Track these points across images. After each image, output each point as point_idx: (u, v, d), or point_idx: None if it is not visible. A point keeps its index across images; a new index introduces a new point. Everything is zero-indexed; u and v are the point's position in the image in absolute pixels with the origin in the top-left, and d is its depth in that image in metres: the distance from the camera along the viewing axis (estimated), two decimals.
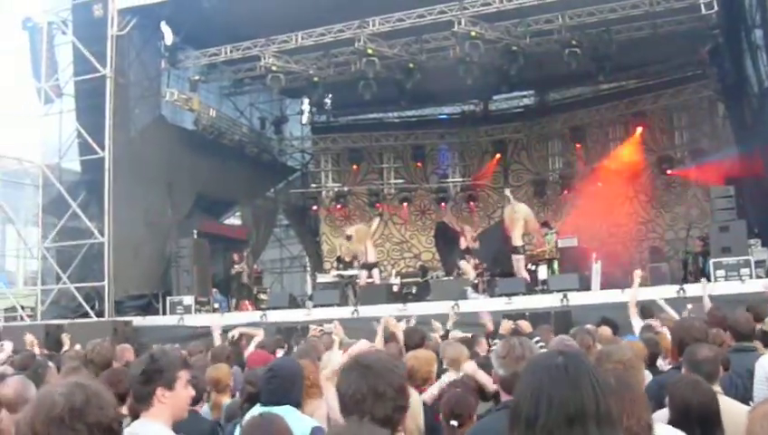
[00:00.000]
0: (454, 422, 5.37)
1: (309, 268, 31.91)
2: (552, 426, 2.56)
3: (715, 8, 18.82)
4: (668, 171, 25.34)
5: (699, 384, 4.52)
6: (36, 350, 9.80)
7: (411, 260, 28.73)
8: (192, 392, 4.45)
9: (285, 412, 4.63)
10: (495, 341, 7.26)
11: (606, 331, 9.60)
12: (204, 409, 6.87)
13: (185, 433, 4.61)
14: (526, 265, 22.57)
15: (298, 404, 5.22)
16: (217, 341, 10.06)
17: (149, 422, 4.13)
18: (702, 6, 18.82)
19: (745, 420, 2.78)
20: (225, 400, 7.20)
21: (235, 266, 24.89)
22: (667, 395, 4.40)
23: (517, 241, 20.96)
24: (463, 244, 23.20)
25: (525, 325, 9.44)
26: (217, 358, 8.78)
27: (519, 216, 21.29)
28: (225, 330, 17.50)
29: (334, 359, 7.10)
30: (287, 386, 5.22)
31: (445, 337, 10.37)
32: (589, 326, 10.36)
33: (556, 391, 2.65)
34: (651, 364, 6.60)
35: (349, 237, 23.07)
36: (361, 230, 23.42)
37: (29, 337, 13.13)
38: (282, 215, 31.88)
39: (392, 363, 3.48)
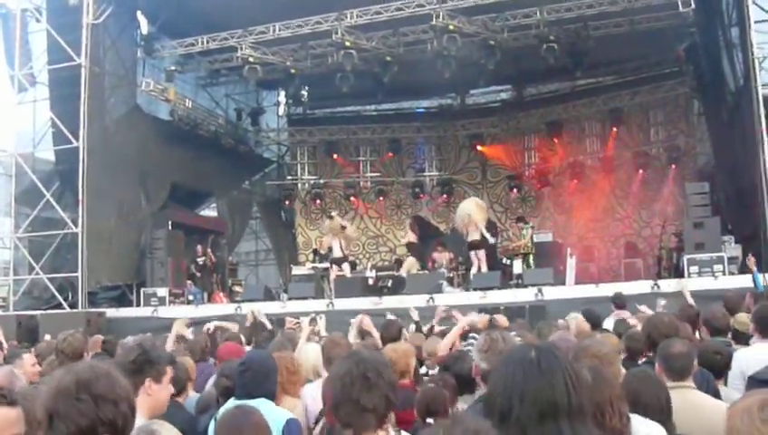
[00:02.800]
0: (429, 419, 5.32)
1: (276, 262, 31.84)
2: (524, 420, 2.58)
3: (692, 6, 18.88)
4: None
5: (649, 377, 4.52)
6: (4, 343, 9.66)
7: (387, 254, 28.72)
8: (172, 390, 4.42)
9: (259, 405, 4.59)
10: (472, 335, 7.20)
11: (584, 324, 9.57)
12: (192, 399, 6.80)
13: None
14: (501, 259, 22.67)
15: (272, 396, 5.18)
16: (170, 343, 9.86)
17: None
18: (679, 4, 18.87)
19: (724, 416, 2.77)
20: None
21: (198, 259, 24.61)
22: None
23: (474, 236, 20.80)
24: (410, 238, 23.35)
25: (503, 320, 9.43)
26: (193, 351, 8.71)
27: (467, 213, 21.16)
28: (198, 323, 17.53)
29: (309, 351, 7.10)
30: (260, 379, 5.18)
31: (430, 333, 10.31)
32: (561, 321, 10.40)
33: (529, 385, 2.70)
34: (632, 359, 6.59)
35: (343, 227, 22.97)
36: (334, 227, 23.42)
37: None
38: (255, 207, 31.73)
39: (385, 358, 3.48)
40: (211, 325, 10.54)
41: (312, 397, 6.13)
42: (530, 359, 2.77)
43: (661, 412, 4.16)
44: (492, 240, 21.43)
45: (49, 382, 2.76)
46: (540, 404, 2.66)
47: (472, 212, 20.84)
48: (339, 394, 3.17)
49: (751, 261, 14.82)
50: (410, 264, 22.64)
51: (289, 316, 12.15)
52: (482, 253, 20.70)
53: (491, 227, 22.50)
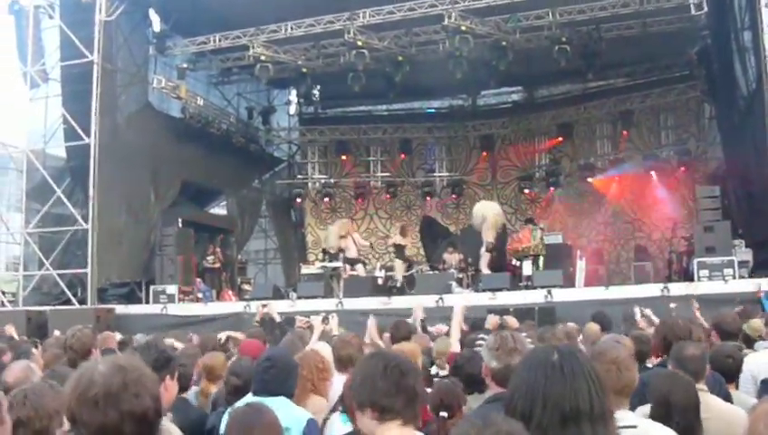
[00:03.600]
0: (443, 414, 5.31)
1: (281, 261, 31.87)
2: (546, 424, 2.56)
3: (705, 9, 18.87)
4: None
5: (679, 378, 4.53)
6: (15, 336, 9.72)
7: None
8: (174, 388, 4.44)
9: (280, 404, 4.59)
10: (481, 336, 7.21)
11: (593, 327, 9.56)
12: (190, 395, 6.81)
13: (174, 418, 4.59)
14: (510, 261, 22.64)
15: (291, 395, 5.17)
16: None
17: None
18: (692, 7, 18.87)
19: (737, 419, 2.77)
20: (214, 389, 7.14)
21: (207, 258, 24.61)
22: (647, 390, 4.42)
23: (489, 238, 20.81)
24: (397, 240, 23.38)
25: (512, 321, 9.43)
26: (206, 347, 8.76)
27: (483, 214, 21.16)
28: (207, 320, 17.61)
29: (321, 350, 7.09)
30: (283, 377, 5.17)
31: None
32: (571, 324, 10.37)
33: (551, 389, 2.69)
34: (641, 362, 6.58)
35: (343, 237, 23.02)
36: (346, 225, 23.48)
37: (9, 328, 13.14)
38: (264, 206, 31.72)
39: (411, 359, 3.47)
40: (223, 335, 10.56)
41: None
42: (552, 362, 2.76)
43: (694, 410, 4.16)
44: (485, 245, 21.25)
45: (78, 379, 2.71)
46: (562, 409, 2.65)
47: (490, 215, 20.95)
48: (368, 396, 3.15)
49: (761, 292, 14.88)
50: (398, 266, 22.62)
51: (299, 315, 12.13)
52: (486, 255, 20.71)
53: (500, 235, 22.49)
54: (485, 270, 20.49)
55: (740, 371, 6.19)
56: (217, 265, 24.55)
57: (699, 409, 4.26)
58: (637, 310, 11.11)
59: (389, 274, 22.80)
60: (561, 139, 27.20)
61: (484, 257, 20.62)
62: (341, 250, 22.70)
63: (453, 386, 5.63)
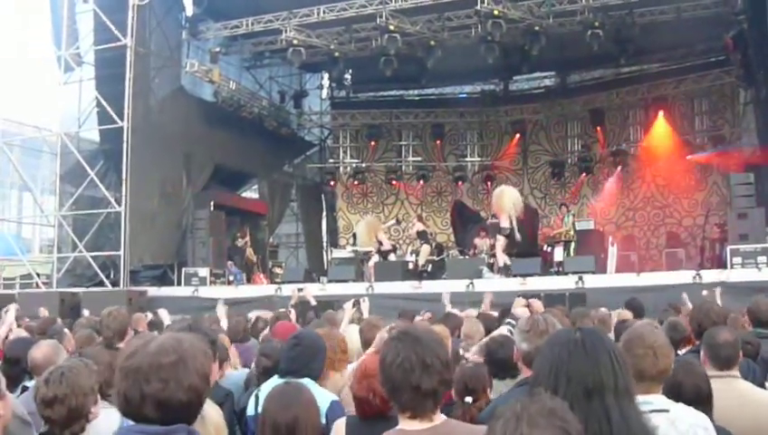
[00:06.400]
0: (468, 399, 5.28)
1: (306, 246, 32.01)
2: (571, 399, 2.58)
3: None
4: (687, 156, 25.11)
5: (692, 366, 4.51)
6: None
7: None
8: (217, 369, 4.42)
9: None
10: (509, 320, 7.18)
11: (625, 314, 9.49)
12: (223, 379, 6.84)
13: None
14: (542, 247, 22.58)
15: (317, 377, 5.13)
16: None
17: None
18: None
19: None
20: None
21: (238, 241, 24.70)
22: None
23: (504, 223, 20.65)
24: (419, 228, 23.30)
25: (538, 305, 9.38)
26: (236, 332, 8.82)
27: (505, 200, 20.99)
28: (238, 302, 17.66)
29: (352, 333, 7.11)
30: (309, 357, 5.12)
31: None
32: (603, 310, 10.32)
33: (574, 365, 2.75)
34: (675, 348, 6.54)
35: (354, 236, 23.10)
36: (371, 224, 23.44)
37: (43, 311, 13.33)
38: (293, 190, 31.78)
39: (438, 336, 3.44)
40: (252, 315, 10.62)
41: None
42: (575, 340, 2.82)
43: (701, 403, 4.14)
44: (503, 230, 20.99)
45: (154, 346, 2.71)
46: (586, 384, 2.70)
47: (506, 201, 20.73)
48: (399, 381, 3.14)
49: None
50: (425, 251, 22.57)
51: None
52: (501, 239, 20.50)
53: (531, 219, 22.39)
54: (501, 255, 20.28)
55: (757, 356, 6.16)
56: (246, 248, 24.63)
57: (711, 400, 4.24)
58: (685, 296, 11.07)
59: (412, 259, 22.74)
60: (598, 129, 26.91)
61: (500, 243, 20.42)
62: (375, 249, 22.63)
63: (477, 369, 5.61)
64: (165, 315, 11.07)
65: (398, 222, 26.90)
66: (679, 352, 6.45)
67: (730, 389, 4.63)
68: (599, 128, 26.94)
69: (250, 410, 5.08)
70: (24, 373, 5.63)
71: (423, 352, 3.16)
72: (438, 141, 29.38)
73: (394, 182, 29.18)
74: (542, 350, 2.93)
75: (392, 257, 22.37)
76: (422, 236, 23.02)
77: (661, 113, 25.48)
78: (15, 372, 5.68)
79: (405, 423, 3.15)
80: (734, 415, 4.34)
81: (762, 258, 16.67)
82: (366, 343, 6.56)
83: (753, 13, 20.73)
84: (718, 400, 4.25)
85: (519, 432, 2.13)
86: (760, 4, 20.10)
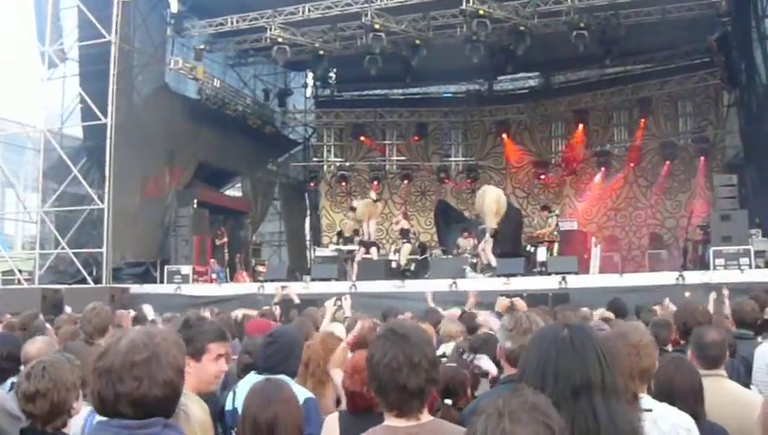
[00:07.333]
0: (448, 401, 5.25)
1: (288, 245, 31.93)
2: (558, 397, 2.56)
3: None
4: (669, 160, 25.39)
5: (683, 363, 4.53)
6: None
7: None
8: (225, 367, 4.35)
9: None
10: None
11: (607, 314, 9.50)
12: None
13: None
14: (525, 247, 22.62)
15: (293, 374, 5.12)
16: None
17: None
18: None
19: (756, 404, 2.76)
20: None
21: (216, 241, 24.59)
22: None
23: (490, 223, 20.62)
24: (403, 225, 23.30)
25: (521, 304, 9.40)
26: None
27: (487, 200, 20.97)
28: (220, 301, 17.60)
29: (334, 331, 7.09)
30: (285, 353, 5.11)
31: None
32: (584, 309, 10.35)
33: (562, 363, 2.72)
34: (660, 348, 6.55)
35: (353, 208, 23.07)
36: (370, 206, 23.42)
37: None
38: (277, 188, 31.72)
39: (426, 335, 3.41)
40: (239, 313, 10.59)
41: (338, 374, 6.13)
42: (563, 337, 2.78)
43: (694, 399, 4.15)
44: (488, 231, 20.94)
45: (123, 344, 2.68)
46: (573, 381, 2.67)
47: (487, 201, 20.71)
48: (386, 380, 3.11)
49: None
50: (406, 250, 22.57)
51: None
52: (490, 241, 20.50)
53: (514, 219, 22.41)
54: (490, 256, 20.30)
55: (733, 356, 6.19)
56: (224, 248, 24.54)
57: (702, 395, 4.25)
58: (666, 300, 11.11)
59: (395, 258, 22.72)
60: (581, 126, 26.99)
61: (488, 244, 20.42)
62: (356, 232, 22.70)
63: (458, 371, 5.59)
64: (149, 311, 11.04)
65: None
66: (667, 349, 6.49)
67: (718, 388, 4.67)
68: (582, 128, 26.96)
69: (228, 406, 5.05)
70: (11, 369, 5.58)
71: (411, 350, 3.12)
72: (422, 141, 29.41)
73: (375, 184, 29.14)
74: (530, 346, 2.90)
75: (374, 252, 22.34)
76: (404, 234, 23.02)
77: (642, 119, 25.67)
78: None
79: (391, 421, 3.13)
80: (723, 413, 4.36)
81: (744, 260, 16.74)
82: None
83: (737, 15, 20.87)
84: (707, 398, 4.27)
85: (501, 428, 2.10)
86: (744, 6, 20.26)
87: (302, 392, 4.91)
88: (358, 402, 4.33)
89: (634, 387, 3.63)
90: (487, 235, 20.37)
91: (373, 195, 24.72)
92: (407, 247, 22.56)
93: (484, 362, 6.57)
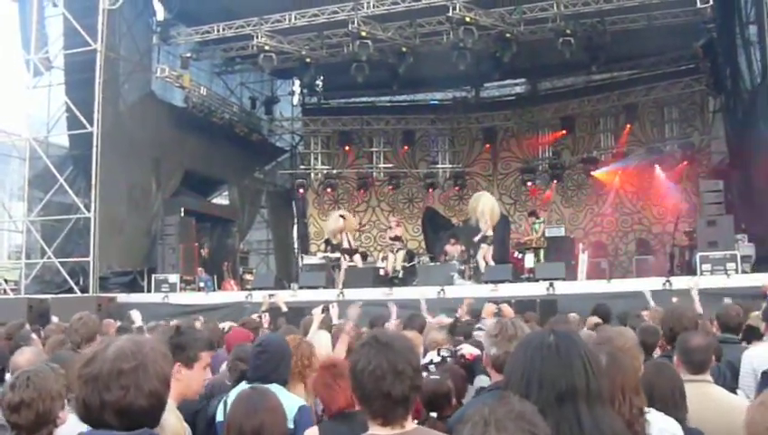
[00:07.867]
0: (433, 414, 5.22)
1: (275, 253, 31.85)
2: (543, 404, 2.55)
3: (711, 2, 18.80)
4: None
5: (664, 367, 4.52)
6: None
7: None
8: (209, 375, 4.35)
9: (273, 390, 4.55)
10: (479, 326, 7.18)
11: (593, 320, 9.52)
12: None
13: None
14: (512, 253, 22.62)
15: (284, 382, 5.12)
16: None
17: None
18: (697, 0, 18.78)
19: (742, 410, 2.76)
20: None
21: (201, 250, 24.52)
22: None
23: (486, 230, 20.62)
24: (397, 232, 23.30)
25: (508, 311, 9.40)
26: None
27: (477, 207, 20.98)
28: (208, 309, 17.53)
29: (321, 339, 7.07)
30: (276, 362, 5.11)
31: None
32: (572, 315, 10.37)
33: (547, 369, 2.71)
34: (647, 354, 6.55)
35: (343, 217, 23.01)
36: (336, 222, 23.37)
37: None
38: (264, 196, 31.67)
39: (409, 342, 3.39)
40: (226, 325, 10.57)
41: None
42: (548, 344, 2.78)
43: (675, 405, 4.14)
44: (483, 239, 20.95)
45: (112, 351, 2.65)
46: (558, 388, 2.66)
47: (481, 207, 20.72)
48: (370, 388, 3.09)
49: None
50: (401, 256, 22.56)
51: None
52: (484, 247, 20.52)
53: (502, 226, 22.42)
54: (487, 262, 20.32)
55: (718, 361, 6.20)
56: (206, 257, 24.50)
57: (684, 400, 4.25)
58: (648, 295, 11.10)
59: (383, 265, 22.68)
60: (564, 131, 27.17)
61: (483, 251, 20.44)
62: (336, 243, 22.63)
63: (441, 383, 5.54)
64: (137, 317, 11.02)
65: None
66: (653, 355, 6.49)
67: (703, 393, 4.67)
68: (568, 134, 27.05)
69: (219, 417, 5.02)
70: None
71: (395, 358, 3.10)
72: (410, 148, 29.42)
73: (362, 191, 29.13)
74: (515, 353, 2.90)
75: (357, 259, 22.27)
76: (399, 240, 23.00)
77: (628, 126, 25.75)
78: None
79: (376, 429, 3.11)
80: (709, 419, 4.36)
81: (731, 265, 16.77)
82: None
83: (722, 22, 20.98)
84: (693, 404, 4.27)
85: None
86: (729, 13, 20.35)
87: (295, 400, 4.92)
88: (330, 406, 4.33)
89: (639, 402, 3.60)
90: (484, 244, 20.37)
91: (341, 211, 24.50)
92: (401, 254, 22.54)
93: (467, 348, 6.60)
